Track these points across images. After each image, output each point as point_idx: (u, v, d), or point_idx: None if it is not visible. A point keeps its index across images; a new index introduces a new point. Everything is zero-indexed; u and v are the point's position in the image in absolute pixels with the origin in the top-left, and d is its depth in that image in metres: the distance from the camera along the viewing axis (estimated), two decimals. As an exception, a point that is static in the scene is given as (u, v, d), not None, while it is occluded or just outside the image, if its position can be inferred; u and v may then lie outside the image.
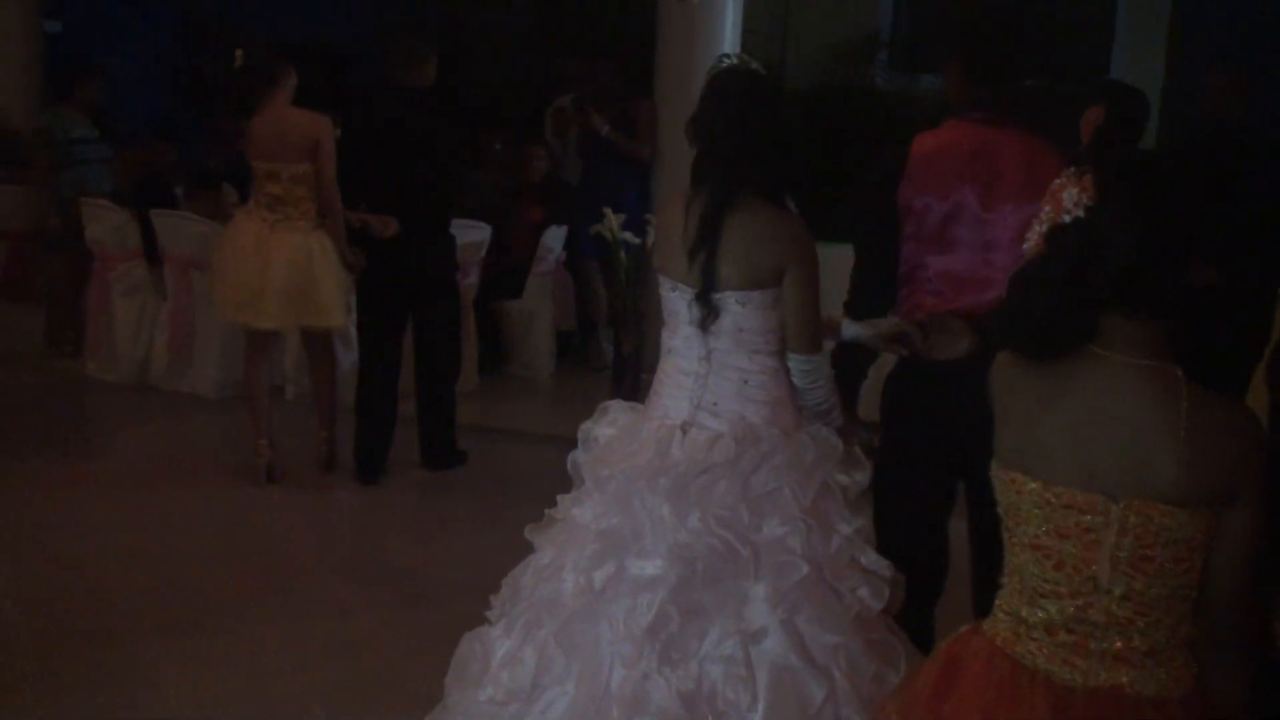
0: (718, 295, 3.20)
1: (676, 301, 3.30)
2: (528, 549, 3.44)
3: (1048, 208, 2.20)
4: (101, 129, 8.45)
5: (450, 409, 6.60)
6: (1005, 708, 2.19)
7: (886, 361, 3.80)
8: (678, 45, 8.46)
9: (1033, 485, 2.20)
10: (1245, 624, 2.16)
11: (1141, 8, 11.68)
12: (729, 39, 8.53)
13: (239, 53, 6.07)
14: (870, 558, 3.16)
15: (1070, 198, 2.15)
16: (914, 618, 3.50)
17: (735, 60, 3.34)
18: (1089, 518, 2.15)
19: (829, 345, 3.47)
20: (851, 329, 3.50)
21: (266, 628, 4.69)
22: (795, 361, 3.26)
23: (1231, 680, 2.18)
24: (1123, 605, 2.15)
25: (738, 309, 3.20)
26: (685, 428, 3.26)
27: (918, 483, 3.71)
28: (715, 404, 3.25)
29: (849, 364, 3.74)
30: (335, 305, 6.14)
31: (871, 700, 2.94)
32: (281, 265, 6.01)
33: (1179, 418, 2.09)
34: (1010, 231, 3.46)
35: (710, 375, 3.25)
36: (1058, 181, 2.18)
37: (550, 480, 3.66)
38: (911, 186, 3.59)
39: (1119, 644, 2.17)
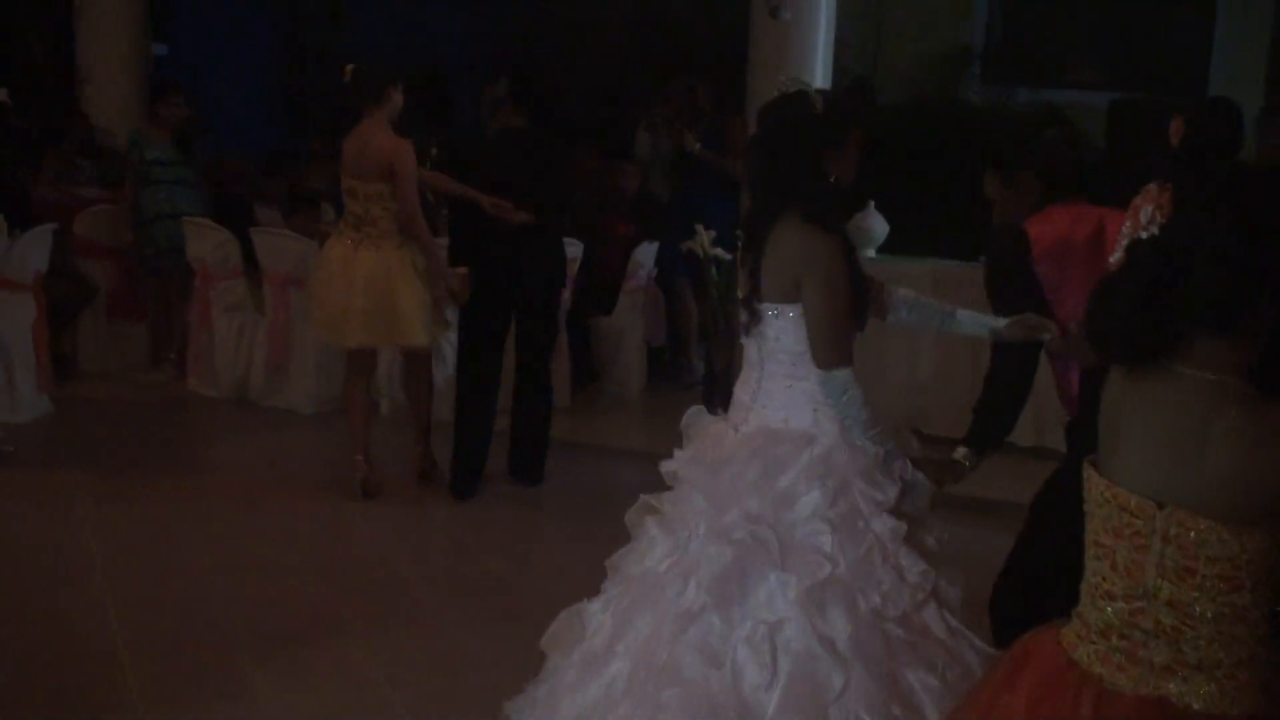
0: (759, 305, 3.40)
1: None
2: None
3: (1128, 223, 2.22)
4: (185, 149, 8.52)
5: (549, 424, 6.67)
6: (1051, 702, 2.22)
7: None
8: (769, 62, 8.47)
9: (1100, 482, 2.23)
10: None
11: (1240, 20, 11.47)
12: (821, 55, 8.53)
13: (348, 68, 6.16)
14: (908, 560, 3.23)
15: (1145, 215, 2.17)
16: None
17: (786, 84, 3.48)
18: (1139, 522, 2.17)
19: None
20: (980, 322, 3.72)
21: (361, 641, 4.75)
22: (814, 375, 3.36)
23: None
24: (1168, 614, 2.15)
25: (773, 320, 3.39)
26: (736, 426, 3.48)
27: None
28: (765, 407, 3.43)
29: (1007, 381, 3.87)
30: (416, 323, 6.17)
31: (885, 698, 3.07)
32: (361, 284, 6.10)
33: (1229, 433, 2.08)
34: None
35: (763, 380, 3.45)
36: (1138, 198, 2.20)
37: (641, 494, 3.69)
38: (1044, 263, 3.84)
39: (1167, 654, 2.16)
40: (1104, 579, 2.23)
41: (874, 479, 3.28)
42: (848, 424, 3.33)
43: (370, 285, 6.10)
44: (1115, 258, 2.30)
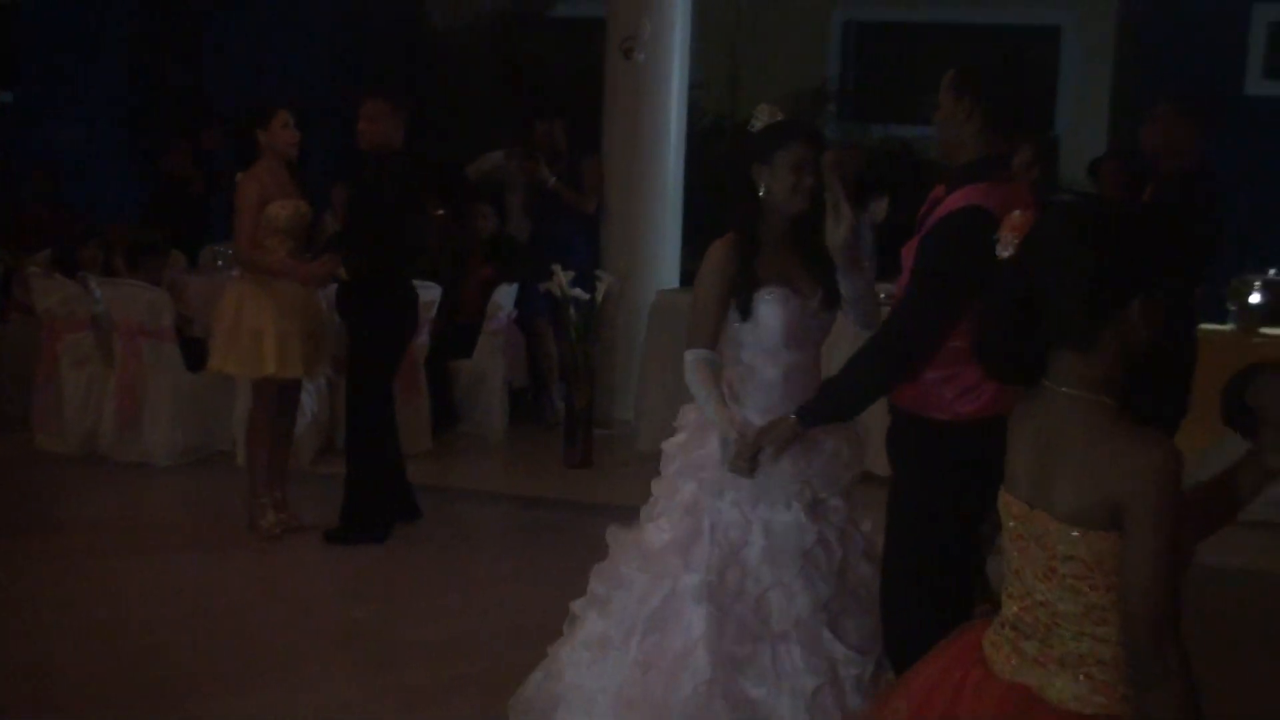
0: None
1: None
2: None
3: (999, 245, 2.33)
4: None
5: (353, 473, 6.44)
6: (948, 675, 2.42)
7: None
8: (624, 102, 8.54)
9: (1001, 491, 2.40)
10: (1151, 655, 2.15)
11: (1084, 64, 11.91)
12: (676, 96, 8.62)
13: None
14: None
15: (1004, 238, 2.30)
16: None
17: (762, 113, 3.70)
18: (1018, 525, 2.33)
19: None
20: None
21: (231, 697, 4.62)
22: None
23: (1155, 711, 2.17)
24: (1042, 611, 2.30)
25: None
26: None
27: None
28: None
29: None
30: (216, 346, 6.27)
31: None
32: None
33: (1081, 443, 2.23)
34: None
35: None
36: (1005, 220, 2.33)
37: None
38: None
39: (1038, 648, 2.31)
40: (1007, 581, 2.39)
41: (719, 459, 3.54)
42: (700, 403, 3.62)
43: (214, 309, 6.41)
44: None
